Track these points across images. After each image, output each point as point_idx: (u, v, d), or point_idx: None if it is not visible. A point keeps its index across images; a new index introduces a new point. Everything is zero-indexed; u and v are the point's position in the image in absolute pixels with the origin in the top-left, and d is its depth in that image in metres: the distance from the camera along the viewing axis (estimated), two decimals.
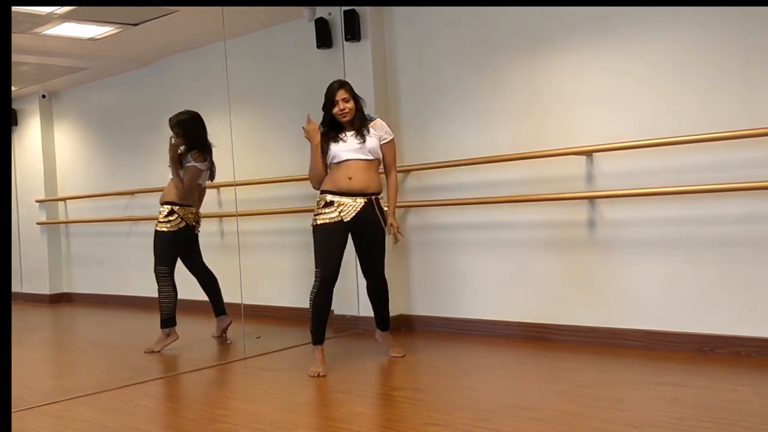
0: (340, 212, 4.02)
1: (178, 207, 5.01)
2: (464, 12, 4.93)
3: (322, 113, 4.18)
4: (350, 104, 4.10)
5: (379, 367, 4.20)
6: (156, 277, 4.99)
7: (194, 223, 5.12)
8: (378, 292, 4.30)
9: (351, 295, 5.29)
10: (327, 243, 4.04)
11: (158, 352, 4.91)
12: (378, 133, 4.15)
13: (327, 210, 4.04)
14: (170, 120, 5.07)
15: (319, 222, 4.04)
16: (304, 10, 5.50)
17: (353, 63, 5.35)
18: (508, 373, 3.93)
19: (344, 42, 5.35)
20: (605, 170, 4.37)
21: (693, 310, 4.07)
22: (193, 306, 5.44)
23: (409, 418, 3.21)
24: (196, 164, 5.00)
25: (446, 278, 5.12)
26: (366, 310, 5.31)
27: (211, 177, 5.19)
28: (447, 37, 5.04)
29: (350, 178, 4.04)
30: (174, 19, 5.42)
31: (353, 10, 5.26)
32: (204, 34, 5.85)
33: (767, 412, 3.01)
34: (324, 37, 5.45)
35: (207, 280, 5.25)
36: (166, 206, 5.03)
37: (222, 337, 5.22)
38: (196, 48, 6.29)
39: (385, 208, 4.21)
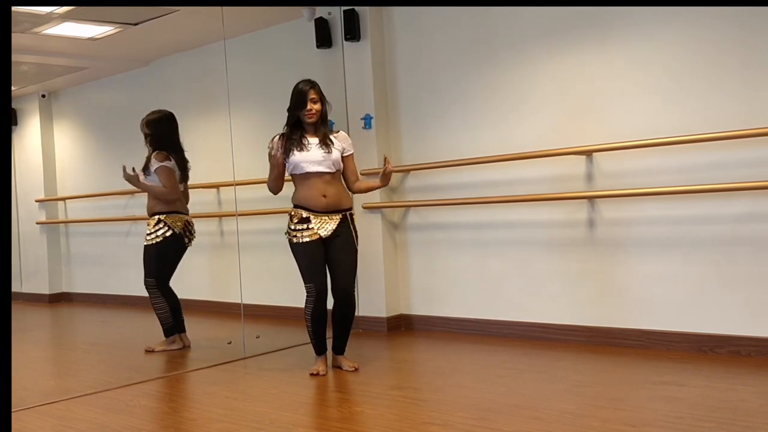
0: (318, 229, 3.98)
1: (164, 215, 4.92)
2: (463, 12, 4.93)
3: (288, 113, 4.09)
4: (318, 106, 4.03)
5: (378, 366, 4.21)
6: (146, 288, 4.97)
7: (182, 232, 4.97)
8: (345, 307, 4.08)
9: None
10: (313, 258, 4.00)
11: (156, 352, 4.93)
12: (342, 144, 4.08)
13: (303, 226, 3.98)
14: (141, 120, 5.02)
15: (301, 240, 3.98)
16: (304, 10, 5.51)
17: (353, 63, 5.35)
18: (507, 373, 3.94)
19: (344, 42, 5.35)
20: (605, 170, 4.37)
21: (692, 310, 4.08)
22: (193, 306, 5.44)
23: (409, 417, 3.21)
24: (164, 164, 4.90)
25: (445, 278, 5.12)
26: (366, 309, 5.32)
27: (184, 179, 5.09)
28: (446, 37, 5.04)
29: (325, 197, 3.99)
30: (173, 18, 5.42)
31: (353, 10, 5.26)
32: (204, 33, 5.85)
33: (766, 411, 3.01)
34: (324, 36, 5.45)
35: (171, 300, 5.09)
36: (154, 217, 4.94)
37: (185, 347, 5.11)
38: (195, 48, 6.29)
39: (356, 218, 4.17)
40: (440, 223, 5.14)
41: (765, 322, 3.85)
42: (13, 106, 7.32)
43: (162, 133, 5.00)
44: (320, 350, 4.13)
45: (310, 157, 3.99)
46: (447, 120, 5.07)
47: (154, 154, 4.94)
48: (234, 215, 5.60)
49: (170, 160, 4.94)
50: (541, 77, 4.62)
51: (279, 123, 6.01)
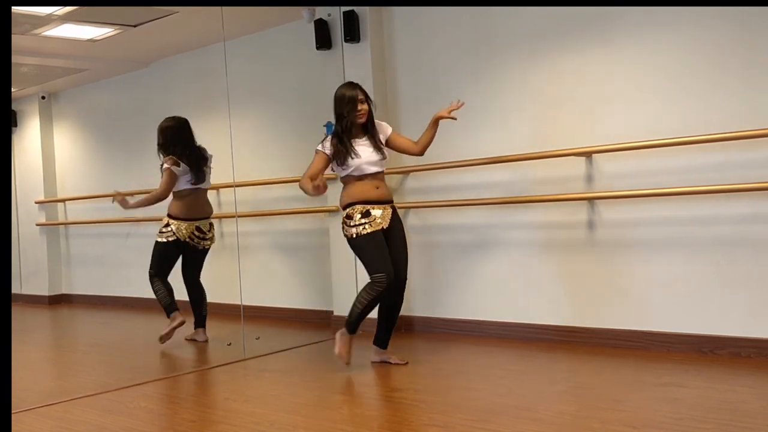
0: (380, 221, 4.07)
1: (173, 220, 5.10)
2: (463, 13, 4.93)
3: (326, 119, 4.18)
4: (366, 106, 4.12)
5: (379, 368, 4.20)
6: (149, 278, 5.12)
7: (190, 239, 5.13)
8: (400, 297, 4.23)
9: (351, 297, 5.28)
10: (382, 248, 4.05)
11: (170, 336, 5.03)
12: (383, 136, 4.23)
13: (366, 219, 4.05)
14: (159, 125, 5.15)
15: (365, 231, 4.03)
16: (304, 12, 5.51)
17: (352, 64, 5.35)
18: (507, 374, 3.94)
19: (343, 43, 5.35)
20: (605, 171, 4.37)
21: (692, 311, 4.07)
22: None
23: (410, 419, 3.21)
24: (168, 166, 5.02)
25: (446, 279, 5.11)
26: None
27: (199, 180, 5.15)
28: (446, 38, 5.04)
29: (378, 188, 4.13)
30: (173, 20, 5.42)
31: (353, 11, 5.26)
32: (203, 35, 5.85)
33: (766, 412, 3.01)
34: (323, 38, 5.45)
35: (195, 292, 5.27)
36: (165, 217, 5.14)
37: (193, 341, 5.25)
38: (195, 49, 6.29)
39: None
40: (440, 224, 5.14)
41: (765, 324, 3.85)
42: (13, 107, 7.32)
43: (166, 139, 5.11)
44: (355, 329, 4.17)
45: (368, 159, 4.10)
46: (447, 121, 5.06)
47: (166, 158, 5.07)
48: (234, 216, 5.60)
49: (178, 166, 5.04)
50: (541, 79, 4.61)
51: (278, 124, 6.02)
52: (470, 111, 4.94)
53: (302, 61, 5.71)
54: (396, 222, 4.18)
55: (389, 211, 4.15)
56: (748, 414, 2.99)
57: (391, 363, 4.20)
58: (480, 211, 4.92)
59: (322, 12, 5.48)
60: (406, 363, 4.20)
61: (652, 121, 4.16)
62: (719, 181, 3.89)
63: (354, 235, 4.05)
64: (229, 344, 5.01)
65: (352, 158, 4.06)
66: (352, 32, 5.26)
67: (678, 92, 4.09)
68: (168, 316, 5.08)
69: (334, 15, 5.43)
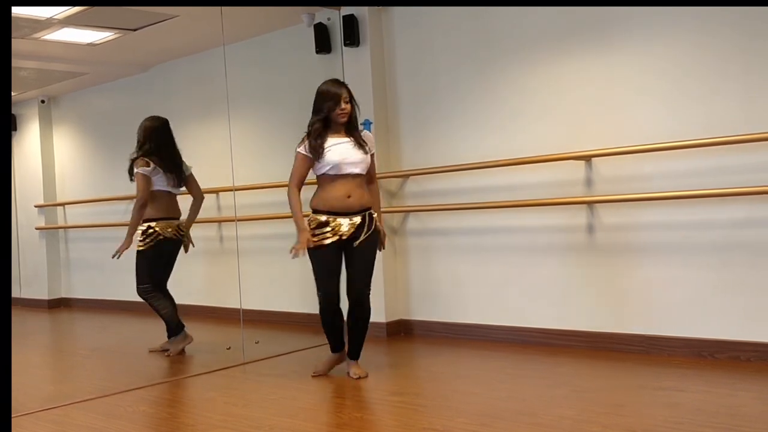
0: (335, 232, 3.88)
1: (155, 222, 4.93)
2: (463, 17, 4.94)
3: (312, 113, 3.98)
4: (349, 106, 3.93)
5: (378, 372, 4.20)
6: (142, 296, 4.93)
7: (175, 237, 4.98)
8: (360, 311, 3.99)
9: None
10: (326, 264, 3.93)
11: (181, 353, 4.91)
12: (369, 145, 3.99)
13: (321, 231, 3.89)
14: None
15: (316, 243, 3.90)
16: (303, 16, 5.52)
17: (352, 68, 5.36)
18: (507, 378, 3.93)
19: (343, 47, 5.36)
20: (604, 175, 4.37)
21: (692, 315, 4.07)
22: (192, 311, 5.44)
23: (409, 423, 3.20)
24: (139, 170, 4.88)
25: (445, 283, 5.11)
26: None
27: (176, 184, 5.01)
28: (446, 42, 5.05)
29: (349, 197, 3.89)
30: (173, 24, 5.42)
31: (352, 15, 5.27)
32: (203, 39, 5.86)
33: (766, 416, 3.01)
34: (323, 42, 5.46)
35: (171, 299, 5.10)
36: (144, 223, 4.94)
37: (164, 351, 5.03)
38: (195, 53, 6.29)
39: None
40: (440, 228, 5.14)
41: (765, 327, 3.85)
42: (13, 111, 7.32)
43: (147, 139, 4.97)
44: (333, 348, 4.14)
45: (350, 157, 3.89)
46: (446, 125, 5.07)
47: (135, 161, 4.93)
48: (233, 221, 5.60)
49: (148, 166, 4.90)
50: (540, 82, 4.62)
51: (278, 128, 6.01)
52: (470, 114, 4.95)
53: (302, 65, 5.72)
54: (365, 231, 3.91)
55: (357, 221, 3.90)
56: (748, 418, 2.99)
57: (349, 375, 4.05)
58: (479, 215, 4.92)
59: (321, 16, 5.49)
60: (366, 375, 4.04)
61: (651, 125, 4.16)
62: (718, 185, 3.89)
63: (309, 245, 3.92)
64: (229, 348, 5.00)
65: (324, 156, 3.85)
66: (352, 36, 5.26)
67: (677, 96, 4.09)
68: (176, 335, 4.93)
69: (334, 19, 5.44)
